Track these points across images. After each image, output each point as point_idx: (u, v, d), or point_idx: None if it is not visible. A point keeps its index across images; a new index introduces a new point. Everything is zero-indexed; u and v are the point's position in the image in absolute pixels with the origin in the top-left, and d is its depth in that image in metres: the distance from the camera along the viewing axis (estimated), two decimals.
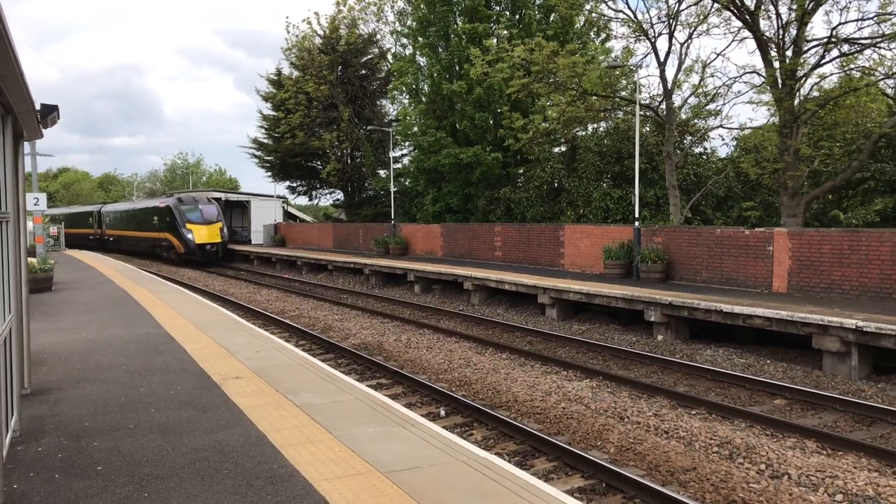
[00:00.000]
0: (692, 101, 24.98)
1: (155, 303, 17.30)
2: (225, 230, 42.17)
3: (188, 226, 40.49)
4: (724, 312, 14.66)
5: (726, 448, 9.10)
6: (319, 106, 42.76)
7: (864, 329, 12.14)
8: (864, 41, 19.21)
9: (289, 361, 10.18)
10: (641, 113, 22.70)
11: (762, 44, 19.41)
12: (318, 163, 47.56)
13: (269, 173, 50.35)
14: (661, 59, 22.58)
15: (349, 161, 46.24)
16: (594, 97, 24.10)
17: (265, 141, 49.46)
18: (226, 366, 9.67)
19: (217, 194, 51.88)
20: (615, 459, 8.90)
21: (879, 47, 19.22)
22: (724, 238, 18.56)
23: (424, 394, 11.88)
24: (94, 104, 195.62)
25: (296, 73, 45.08)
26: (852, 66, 20.00)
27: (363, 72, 45.62)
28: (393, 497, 4.88)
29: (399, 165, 41.86)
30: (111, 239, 54.33)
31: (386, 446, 6.08)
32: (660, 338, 16.26)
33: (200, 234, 40.50)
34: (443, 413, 10.72)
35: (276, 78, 47.98)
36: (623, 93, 25.72)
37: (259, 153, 50.16)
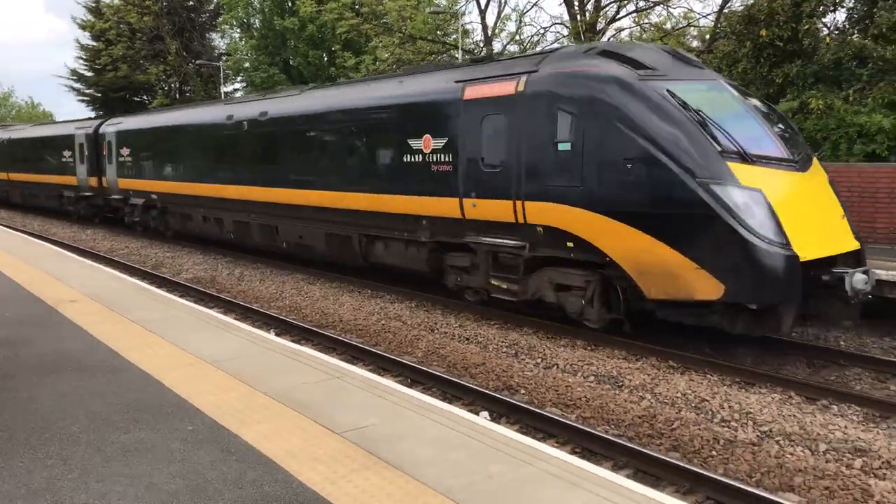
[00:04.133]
0: (512, 48, 26.81)
1: None
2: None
3: (741, 172, 8.81)
4: None
5: (513, 348, 10.91)
6: (144, 38, 40.85)
7: None
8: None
9: (122, 287, 10.85)
10: (465, 58, 24.17)
11: None
12: (145, 97, 45.55)
13: (91, 107, 47.54)
14: (482, 7, 24.10)
15: (178, 96, 44.69)
16: (421, 41, 25.28)
17: (85, 73, 46.49)
18: (60, 291, 10.21)
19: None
20: (422, 361, 10.47)
21: (668, 5, 21.79)
22: None
23: (256, 319, 12.84)
24: None
25: (116, 1, 42.55)
26: (645, 21, 22.51)
27: (191, 3, 43.89)
28: (217, 377, 6.06)
29: None
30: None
31: (213, 346, 7.20)
32: None
33: (807, 230, 8.90)
34: (273, 334, 11.80)
35: (94, 5, 44.96)
36: (454, 36, 27.07)
37: (78, 86, 47.12)
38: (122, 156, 23.78)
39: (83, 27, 45.57)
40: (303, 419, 5.08)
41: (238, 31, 37.99)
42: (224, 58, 40.98)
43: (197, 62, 40.90)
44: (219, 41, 45.14)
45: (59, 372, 6.27)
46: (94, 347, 7.11)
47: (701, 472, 6.50)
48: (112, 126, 25.02)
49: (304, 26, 31.06)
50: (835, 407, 8.20)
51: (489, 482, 4.14)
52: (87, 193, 26.73)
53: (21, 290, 10.27)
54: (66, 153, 27.91)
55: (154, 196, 21.92)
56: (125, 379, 6.05)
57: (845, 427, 7.60)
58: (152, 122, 23.15)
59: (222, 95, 37.21)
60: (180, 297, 13.68)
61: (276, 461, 4.43)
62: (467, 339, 11.48)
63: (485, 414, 8.27)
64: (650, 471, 6.69)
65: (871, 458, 6.87)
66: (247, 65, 35.77)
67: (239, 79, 39.99)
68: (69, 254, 15.74)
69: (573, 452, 6.73)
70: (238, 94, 41.99)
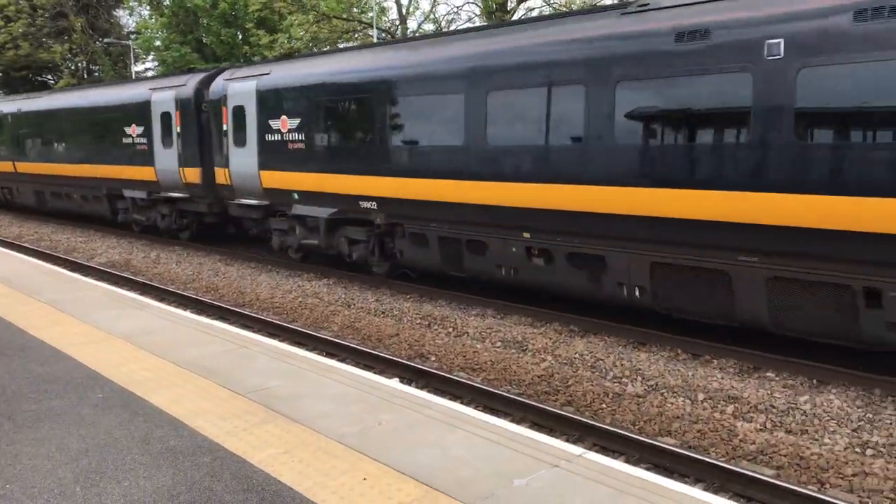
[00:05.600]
0: (428, 27, 27.12)
1: None
2: None
3: None
4: None
5: (427, 319, 11.38)
6: (46, 14, 39.11)
7: None
8: None
9: (32, 271, 10.77)
10: (381, 36, 24.35)
11: None
12: (50, 77, 43.77)
13: None
14: None
15: (85, 76, 43.11)
16: (336, 20, 25.30)
17: None
18: None
19: None
20: (337, 335, 10.81)
21: None
22: None
23: (172, 300, 12.91)
24: None
25: None
26: (554, 1, 23.12)
27: None
28: (125, 350, 6.29)
29: None
30: None
31: (124, 322, 7.38)
32: None
33: None
34: (190, 314, 11.89)
35: None
36: (371, 14, 27.13)
37: None
38: (276, 131, 14.25)
39: None
40: (210, 384, 5.40)
41: (147, 8, 36.91)
42: (133, 36, 39.74)
43: (105, 40, 39.52)
44: (127, 19, 43.76)
45: None
46: (2, 328, 7.18)
47: (588, 421, 7.11)
48: (246, 80, 15.05)
49: (215, 4, 30.48)
50: (715, 361, 8.98)
51: (378, 428, 4.59)
52: (177, 195, 17.23)
53: None
54: (134, 131, 17.96)
55: (369, 204, 12.79)
56: (35, 355, 6.20)
57: (722, 378, 8.36)
58: (373, 64, 12.92)
59: (133, 75, 36.14)
60: (94, 279, 13.60)
61: (182, 420, 4.75)
62: (383, 312, 11.88)
63: (395, 380, 8.72)
64: (544, 423, 7.26)
65: (742, 404, 7.63)
66: (157, 43, 34.81)
67: (150, 58, 38.92)
68: None
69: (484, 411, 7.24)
70: (151, 74, 40.69)
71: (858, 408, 7.39)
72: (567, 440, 6.86)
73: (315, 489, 3.90)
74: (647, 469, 5.73)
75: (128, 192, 18.78)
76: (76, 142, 20.64)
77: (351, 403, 5.08)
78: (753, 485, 5.83)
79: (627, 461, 6.09)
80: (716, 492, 5.59)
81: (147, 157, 17.59)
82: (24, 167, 23.32)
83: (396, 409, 4.94)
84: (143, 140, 17.66)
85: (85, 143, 20.12)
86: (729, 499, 5.38)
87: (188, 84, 16.66)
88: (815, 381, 8.15)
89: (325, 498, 3.82)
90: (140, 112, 17.68)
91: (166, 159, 17.06)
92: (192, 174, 16.45)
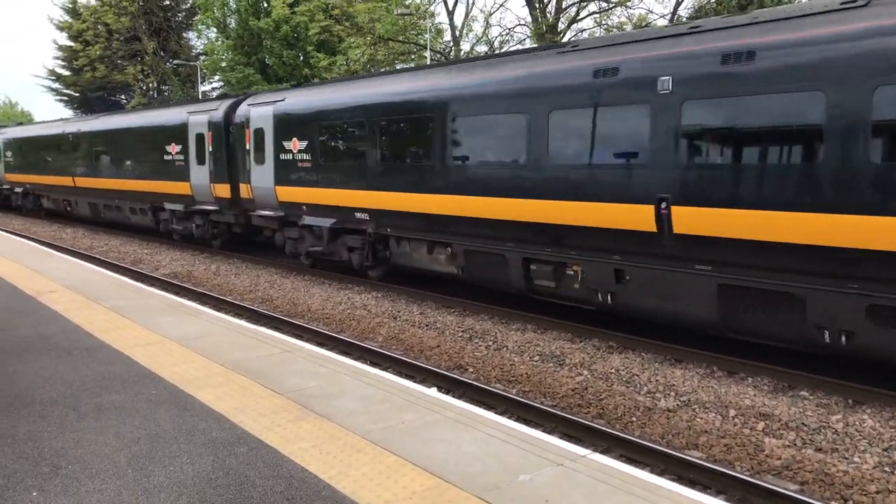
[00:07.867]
0: (480, 48, 27.61)
1: None
2: None
3: None
4: None
5: (468, 333, 11.69)
6: (121, 38, 41.24)
7: None
8: (614, 0, 22.53)
9: (99, 279, 11.54)
10: (435, 58, 24.95)
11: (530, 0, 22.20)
12: (123, 97, 45.99)
13: (69, 107, 47.92)
14: (450, 9, 24.87)
15: (156, 95, 45.14)
16: (392, 42, 26.02)
17: (63, 73, 46.84)
18: (39, 283, 10.89)
19: None
20: (382, 345, 11.23)
21: (628, 6, 22.64)
22: None
23: (228, 310, 13.54)
24: None
25: (93, 2, 42.96)
26: (605, 22, 23.34)
27: (167, 2, 44.35)
28: (180, 352, 6.83)
29: None
30: None
31: (180, 327, 7.95)
32: None
33: None
34: (241, 321, 12.50)
35: (71, 6, 45.31)
36: (427, 35, 27.79)
37: (56, 85, 47.48)
38: None
39: (60, 28, 45.88)
40: (252, 384, 5.87)
41: (214, 31, 38.55)
42: (201, 57, 41.51)
43: (174, 62, 41.40)
44: (195, 41, 45.74)
45: (38, 351, 7.01)
46: (71, 330, 7.83)
47: (614, 432, 7.32)
48: None
49: (278, 27, 31.65)
50: (750, 379, 9.04)
51: (401, 426, 4.98)
52: None
53: (4, 283, 10.95)
54: None
55: None
56: (98, 355, 6.79)
57: (755, 396, 8.43)
58: None
59: (200, 95, 37.72)
60: (156, 288, 14.38)
61: (225, 415, 5.23)
62: (426, 325, 12.25)
63: (434, 389, 9.06)
64: (575, 434, 7.47)
65: (773, 422, 7.71)
66: (223, 64, 36.32)
67: (216, 78, 40.56)
68: (50, 250, 16.39)
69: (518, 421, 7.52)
70: (216, 94, 42.44)
71: (892, 428, 7.38)
72: (595, 450, 7.08)
73: (338, 477, 4.30)
74: (672, 479, 5.92)
75: None
76: None
77: (377, 403, 5.49)
78: (774, 498, 5.94)
79: (652, 472, 6.28)
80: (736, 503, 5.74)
81: None
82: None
83: (418, 410, 5.32)
84: None
85: None
86: None
87: None
88: (850, 401, 8.15)
89: (346, 485, 4.22)
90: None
91: None
92: None
